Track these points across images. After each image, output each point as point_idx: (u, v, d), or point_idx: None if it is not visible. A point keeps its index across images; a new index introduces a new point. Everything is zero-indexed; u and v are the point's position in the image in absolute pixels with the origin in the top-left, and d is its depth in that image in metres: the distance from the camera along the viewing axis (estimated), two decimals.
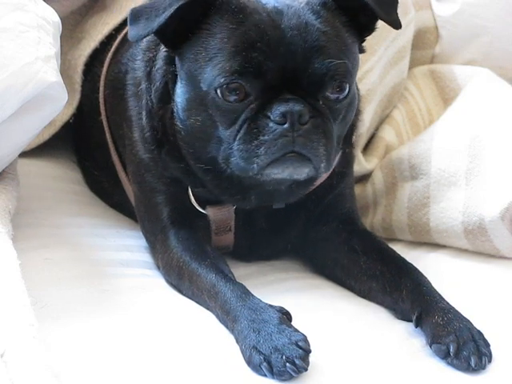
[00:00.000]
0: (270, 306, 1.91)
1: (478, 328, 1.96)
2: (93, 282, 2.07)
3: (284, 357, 1.76)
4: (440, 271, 2.31)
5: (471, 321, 1.97)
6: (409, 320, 2.06)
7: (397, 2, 2.13)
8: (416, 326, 2.02)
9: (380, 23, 2.11)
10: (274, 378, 1.77)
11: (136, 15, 2.03)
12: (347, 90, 2.00)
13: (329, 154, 1.99)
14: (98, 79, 2.49)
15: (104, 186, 2.56)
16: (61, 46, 2.19)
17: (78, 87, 2.61)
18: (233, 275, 2.08)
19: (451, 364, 1.89)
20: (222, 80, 1.94)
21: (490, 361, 1.90)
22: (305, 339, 1.80)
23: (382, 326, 2.07)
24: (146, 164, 2.22)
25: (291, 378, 1.76)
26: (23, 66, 2.01)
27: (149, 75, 2.19)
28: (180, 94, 2.06)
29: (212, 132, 2.01)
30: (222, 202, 2.19)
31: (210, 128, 2.01)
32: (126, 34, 2.43)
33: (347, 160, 2.31)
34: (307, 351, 1.78)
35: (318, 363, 1.82)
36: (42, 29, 2.08)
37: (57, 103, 2.14)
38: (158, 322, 1.93)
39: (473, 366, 1.87)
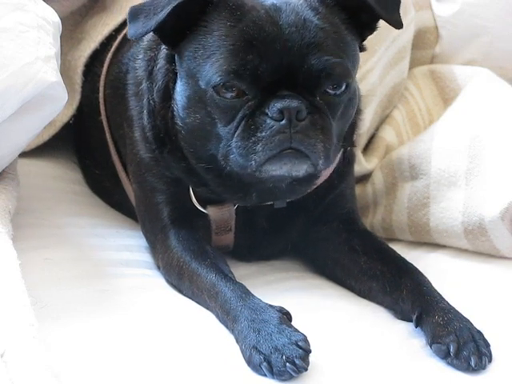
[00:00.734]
0: (270, 305, 1.91)
1: (478, 328, 1.96)
2: (93, 282, 2.07)
3: (284, 357, 1.76)
4: (440, 271, 2.31)
5: (471, 321, 1.97)
6: (409, 320, 2.06)
7: (399, 2, 2.12)
8: (416, 326, 2.01)
9: (382, 23, 2.11)
10: (273, 377, 1.77)
11: (135, 13, 2.03)
12: (344, 87, 2.00)
13: (327, 151, 1.99)
14: (98, 79, 2.49)
15: (105, 186, 2.56)
16: (61, 46, 2.19)
17: (78, 88, 2.60)
18: (233, 275, 2.08)
19: (451, 364, 1.89)
20: (219, 79, 1.94)
21: (490, 361, 1.90)
22: (305, 339, 1.80)
23: (382, 325, 2.07)
24: (147, 164, 2.22)
25: (291, 377, 1.76)
26: (23, 65, 2.01)
27: (150, 74, 2.19)
28: (180, 92, 2.06)
29: (211, 130, 2.01)
30: (223, 202, 2.19)
31: (209, 126, 2.01)
32: (127, 34, 2.44)
33: (348, 159, 2.31)
34: (307, 351, 1.78)
35: (318, 363, 1.82)
36: (42, 29, 2.08)
37: (57, 103, 2.14)
38: (158, 322, 1.93)
39: (473, 366, 1.87)
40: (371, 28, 2.11)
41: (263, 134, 1.94)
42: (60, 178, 2.62)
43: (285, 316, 1.88)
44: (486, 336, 1.94)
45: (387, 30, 2.21)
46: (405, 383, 1.85)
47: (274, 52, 1.94)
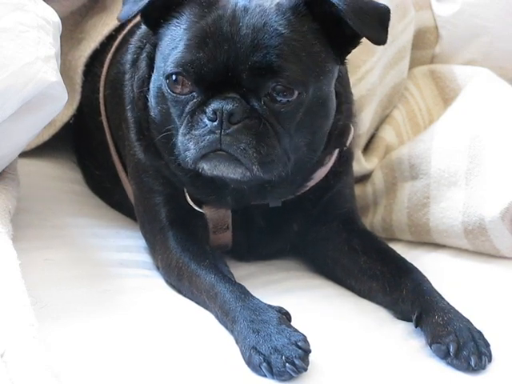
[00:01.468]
0: (270, 306, 1.91)
1: (478, 328, 1.96)
2: (93, 283, 2.07)
3: (283, 357, 1.76)
4: (440, 271, 2.31)
5: (471, 321, 1.98)
6: (409, 320, 2.06)
7: (387, 19, 2.03)
8: (416, 326, 2.01)
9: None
10: (273, 378, 1.77)
11: None
12: (296, 95, 1.96)
13: (264, 158, 1.95)
14: (98, 80, 2.49)
15: (105, 186, 2.56)
16: (61, 46, 2.19)
17: (78, 88, 2.60)
18: (232, 275, 2.09)
19: (451, 364, 1.89)
20: (169, 69, 1.97)
21: (489, 361, 1.90)
22: (304, 339, 1.80)
23: (382, 325, 2.07)
24: (143, 164, 2.23)
25: (291, 378, 1.76)
26: (23, 65, 2.02)
27: (134, 63, 2.22)
28: (152, 81, 2.09)
29: (171, 122, 2.04)
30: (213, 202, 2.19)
31: (170, 118, 2.04)
32: (126, 34, 2.45)
33: (344, 160, 2.31)
34: (307, 351, 1.78)
35: (318, 363, 1.82)
36: (42, 29, 2.09)
37: (57, 103, 2.14)
38: (157, 323, 1.93)
39: (473, 365, 1.87)
40: (353, 43, 2.05)
41: (196, 132, 1.96)
42: (60, 178, 2.62)
43: (284, 316, 1.89)
44: (485, 336, 1.94)
45: None
46: (405, 383, 1.85)
47: (222, 52, 1.94)
